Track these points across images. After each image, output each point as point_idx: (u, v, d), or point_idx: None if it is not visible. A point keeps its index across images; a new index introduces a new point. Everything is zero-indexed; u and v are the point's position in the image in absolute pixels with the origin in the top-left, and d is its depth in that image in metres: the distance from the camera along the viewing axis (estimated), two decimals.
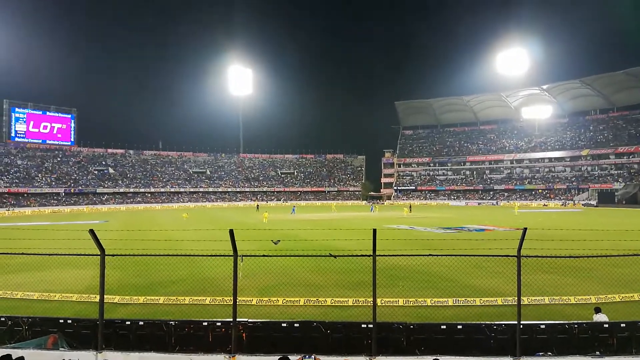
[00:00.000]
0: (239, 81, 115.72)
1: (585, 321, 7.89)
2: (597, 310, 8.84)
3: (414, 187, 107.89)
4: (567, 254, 12.71)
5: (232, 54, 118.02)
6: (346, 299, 11.72)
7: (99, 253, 7.06)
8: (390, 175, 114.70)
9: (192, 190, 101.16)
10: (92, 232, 6.91)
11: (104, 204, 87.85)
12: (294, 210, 61.30)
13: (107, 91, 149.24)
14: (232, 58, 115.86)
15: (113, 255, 7.54)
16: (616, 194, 76.04)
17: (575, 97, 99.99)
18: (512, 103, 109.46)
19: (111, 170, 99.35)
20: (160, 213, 68.24)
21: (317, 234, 29.53)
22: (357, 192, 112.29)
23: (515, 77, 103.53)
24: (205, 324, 7.89)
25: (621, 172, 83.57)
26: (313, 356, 4.96)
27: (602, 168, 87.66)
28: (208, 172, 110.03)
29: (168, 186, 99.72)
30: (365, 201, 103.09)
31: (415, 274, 14.85)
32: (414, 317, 9.91)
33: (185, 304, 11.90)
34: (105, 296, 7.92)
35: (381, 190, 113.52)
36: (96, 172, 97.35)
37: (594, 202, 76.31)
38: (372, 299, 7.07)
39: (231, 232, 7.01)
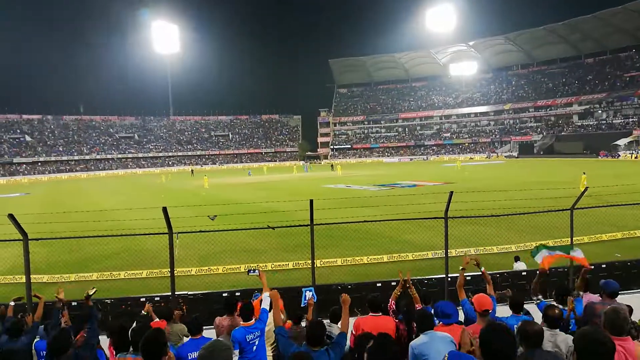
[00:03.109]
0: (165, 39, 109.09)
1: (506, 270, 8.62)
2: (517, 258, 9.69)
3: (349, 146, 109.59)
4: (493, 205, 13.68)
5: (155, 8, 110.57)
6: (287, 263, 11.93)
7: (21, 238, 6.60)
8: (327, 135, 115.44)
9: (120, 156, 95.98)
10: (11, 216, 6.41)
11: (23, 174, 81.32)
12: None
13: (19, 52, 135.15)
14: (155, 12, 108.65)
15: (37, 240, 7.07)
16: (535, 145, 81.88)
17: (499, 52, 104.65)
18: (440, 60, 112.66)
19: (28, 138, 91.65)
20: (86, 182, 64.49)
21: (257, 197, 29.43)
22: (294, 153, 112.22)
23: (444, 33, 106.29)
24: (143, 299, 7.74)
25: (540, 124, 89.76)
26: (257, 270, 5.26)
27: (522, 121, 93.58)
28: (136, 137, 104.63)
29: (93, 153, 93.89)
30: (302, 162, 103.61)
31: (353, 232, 15.34)
32: (352, 275, 10.33)
33: (120, 279, 11.56)
34: (32, 276, 7.50)
35: (318, 149, 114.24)
36: (11, 140, 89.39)
37: (515, 154, 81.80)
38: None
39: (164, 209, 6.80)
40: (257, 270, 5.09)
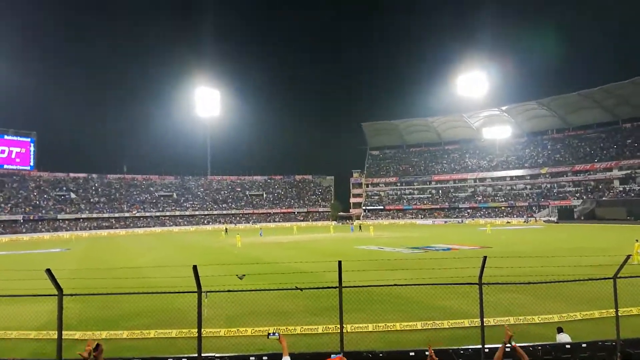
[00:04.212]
0: (206, 103, 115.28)
1: (548, 342, 8.10)
2: (560, 330, 9.10)
3: (382, 207, 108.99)
4: (531, 272, 13.08)
5: (198, 76, 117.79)
6: (316, 327, 11.62)
7: (57, 293, 6.80)
8: (359, 195, 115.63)
9: (158, 214, 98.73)
10: (48, 271, 6.65)
11: (65, 230, 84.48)
12: (261, 233, 61.31)
13: (69, 114, 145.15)
14: (199, 79, 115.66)
15: (72, 295, 7.25)
16: (575, 210, 79.04)
17: (532, 117, 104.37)
18: (473, 124, 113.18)
19: (73, 195, 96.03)
20: (124, 239, 66.15)
21: (287, 256, 29.31)
22: (326, 213, 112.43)
23: (476, 98, 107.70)
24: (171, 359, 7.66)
25: (578, 188, 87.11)
26: (277, 334, 5.02)
27: (560, 185, 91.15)
28: (175, 195, 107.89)
29: (133, 211, 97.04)
30: (334, 221, 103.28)
31: (384, 296, 14.90)
32: (383, 342, 9.93)
33: (150, 337, 11.50)
34: (65, 332, 7.62)
35: (350, 210, 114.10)
36: (57, 197, 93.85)
37: (554, 219, 79.01)
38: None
39: (194, 268, 6.90)
40: (277, 334, 4.98)
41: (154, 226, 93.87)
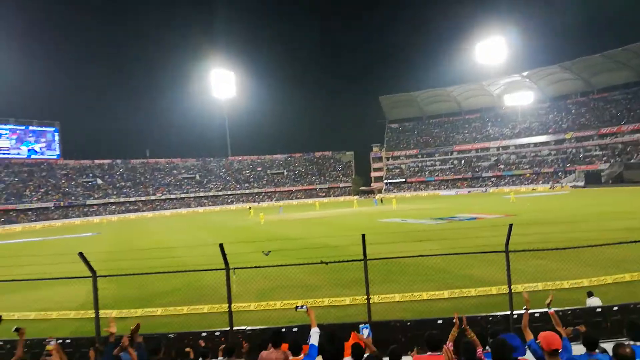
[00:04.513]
0: (222, 84, 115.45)
1: (578, 307, 8.05)
2: (590, 294, 9.03)
3: (404, 180, 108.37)
4: (557, 237, 12.89)
5: (213, 57, 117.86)
6: (343, 298, 11.80)
7: (90, 275, 7.06)
8: (380, 169, 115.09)
9: (182, 196, 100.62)
10: (81, 255, 6.90)
11: (95, 215, 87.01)
12: (281, 210, 61.55)
13: (90, 103, 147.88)
14: (213, 61, 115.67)
15: (105, 276, 7.52)
16: (602, 174, 77.01)
17: (555, 81, 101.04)
18: (494, 91, 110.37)
19: (99, 181, 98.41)
20: (152, 221, 67.76)
21: (311, 232, 29.59)
22: (347, 188, 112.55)
23: (496, 65, 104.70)
24: (205, 334, 7.92)
25: (605, 152, 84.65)
26: (305, 306, 5.13)
27: (586, 150, 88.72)
28: (197, 177, 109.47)
29: (158, 193, 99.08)
30: (357, 196, 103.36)
31: (411, 267, 14.98)
32: (410, 312, 10.03)
33: (183, 314, 11.90)
34: (101, 311, 7.94)
35: (372, 184, 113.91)
36: (85, 183, 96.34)
37: (581, 184, 77.21)
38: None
39: (221, 246, 7.05)
40: (305, 307, 5.07)
41: (179, 208, 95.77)
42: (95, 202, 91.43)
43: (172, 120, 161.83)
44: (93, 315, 7.86)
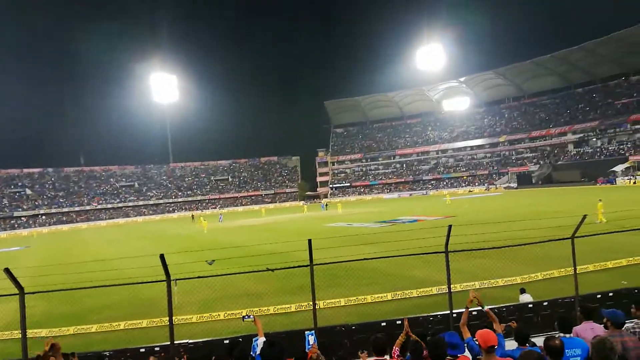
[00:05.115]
0: (163, 88, 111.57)
1: (512, 303, 8.47)
2: (522, 290, 9.53)
3: (348, 184, 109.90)
4: (494, 237, 13.53)
5: (154, 60, 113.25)
6: (289, 305, 11.72)
7: (18, 292, 6.54)
8: (325, 174, 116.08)
9: (120, 205, 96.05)
10: (7, 270, 6.37)
11: (24, 227, 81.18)
12: (221, 218, 59.70)
13: (18, 107, 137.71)
14: (154, 64, 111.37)
15: (34, 293, 6.99)
16: (533, 175, 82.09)
17: (490, 87, 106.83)
18: (433, 96, 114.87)
19: (29, 191, 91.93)
20: (86, 232, 64.14)
21: (257, 238, 29.24)
22: (294, 193, 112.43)
23: (435, 71, 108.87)
24: (143, 350, 7.55)
25: (535, 154, 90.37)
26: (252, 316, 5.12)
27: (518, 152, 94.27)
28: (136, 185, 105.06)
29: (94, 203, 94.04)
30: (303, 201, 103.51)
31: (356, 270, 15.13)
32: (356, 316, 10.12)
33: (120, 329, 11.30)
34: (30, 331, 7.37)
35: (317, 189, 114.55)
36: (12, 194, 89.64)
37: (514, 185, 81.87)
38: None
39: (162, 256, 6.77)
40: (251, 316, 5.00)
41: (117, 218, 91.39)
42: (24, 213, 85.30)
43: (110, 126, 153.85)
44: (19, 336, 7.26)
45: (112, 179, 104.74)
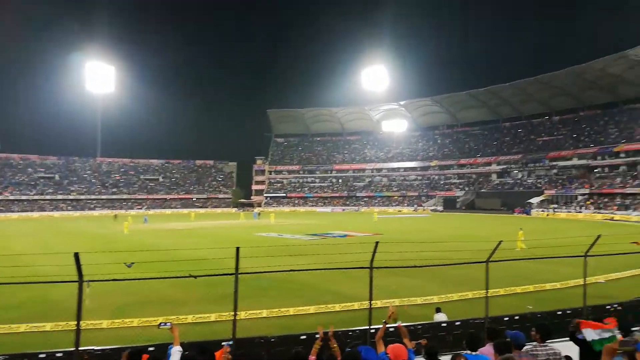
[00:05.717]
0: (99, 78, 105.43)
1: (427, 322, 8.81)
2: (438, 310, 9.96)
3: (284, 194, 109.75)
4: (417, 256, 14.06)
5: (90, 49, 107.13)
6: (208, 315, 11.39)
7: None
8: (262, 182, 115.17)
9: (36, 197, 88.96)
10: None
11: None
12: (145, 219, 57.19)
13: None
14: (90, 53, 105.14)
15: None
16: (457, 200, 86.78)
17: (427, 113, 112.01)
18: (374, 116, 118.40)
19: None
20: None
21: (183, 243, 28.28)
22: (227, 200, 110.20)
23: (377, 92, 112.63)
24: (43, 355, 6.99)
25: (462, 181, 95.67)
26: (169, 323, 5.01)
27: (447, 177, 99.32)
28: (57, 177, 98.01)
29: (6, 192, 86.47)
30: (235, 208, 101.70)
31: (282, 282, 15.10)
32: (276, 328, 10.04)
33: (19, 332, 10.39)
34: None
35: (252, 197, 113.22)
36: None
37: (440, 208, 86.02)
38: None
39: (76, 255, 6.34)
40: (169, 323, 4.81)
41: (31, 211, 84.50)
42: None
43: (34, 111, 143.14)
44: None
45: (30, 169, 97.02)
